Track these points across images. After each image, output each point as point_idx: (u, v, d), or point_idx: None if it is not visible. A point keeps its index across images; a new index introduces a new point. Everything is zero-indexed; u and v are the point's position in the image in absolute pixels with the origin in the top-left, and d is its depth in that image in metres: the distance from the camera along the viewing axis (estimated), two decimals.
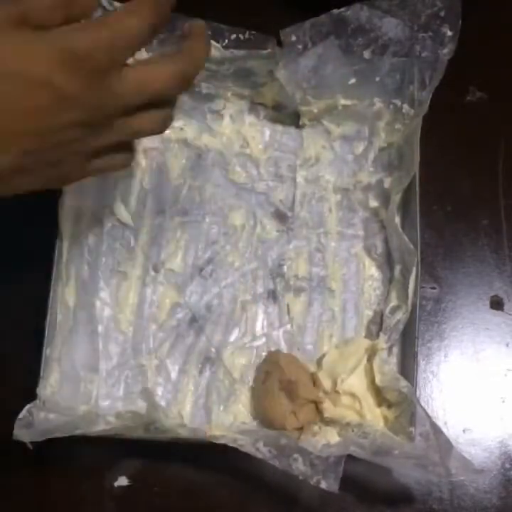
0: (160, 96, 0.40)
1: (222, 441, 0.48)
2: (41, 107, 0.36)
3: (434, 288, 0.58)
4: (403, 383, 0.50)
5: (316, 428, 0.51)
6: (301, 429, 0.51)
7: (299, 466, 0.46)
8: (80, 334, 0.55)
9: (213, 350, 0.56)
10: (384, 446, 0.48)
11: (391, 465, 0.47)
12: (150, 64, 0.40)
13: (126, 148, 0.45)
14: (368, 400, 0.52)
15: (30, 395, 0.50)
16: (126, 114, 0.40)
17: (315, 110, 0.59)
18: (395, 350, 0.55)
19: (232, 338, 0.57)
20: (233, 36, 0.56)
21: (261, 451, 0.47)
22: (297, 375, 0.52)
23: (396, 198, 0.56)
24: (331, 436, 0.51)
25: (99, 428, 0.48)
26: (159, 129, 0.44)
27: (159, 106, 0.41)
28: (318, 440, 0.50)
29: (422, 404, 0.51)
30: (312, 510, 0.53)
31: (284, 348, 0.56)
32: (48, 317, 0.52)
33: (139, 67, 0.39)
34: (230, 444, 0.48)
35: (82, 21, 0.38)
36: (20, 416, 0.48)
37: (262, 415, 0.53)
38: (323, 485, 0.45)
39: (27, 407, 0.48)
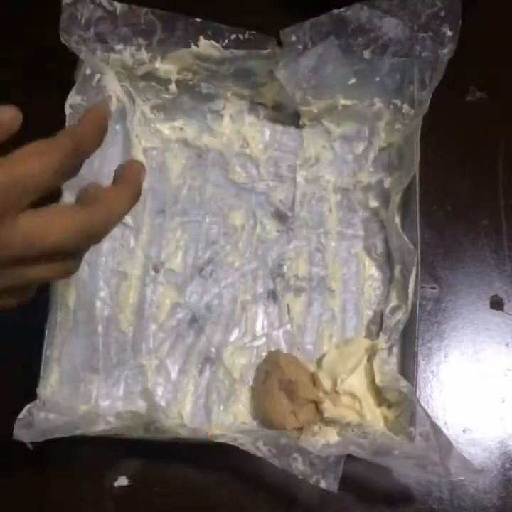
0: (55, 250, 0.35)
1: (222, 440, 0.48)
2: None
3: (434, 288, 0.58)
4: (403, 383, 0.50)
5: (316, 428, 0.51)
6: (301, 429, 0.51)
7: (298, 466, 0.46)
8: (80, 334, 0.55)
9: (213, 350, 0.56)
10: (384, 446, 0.48)
11: (391, 465, 0.47)
12: (52, 213, 0.35)
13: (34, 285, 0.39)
14: (368, 400, 0.52)
15: (31, 395, 0.50)
16: (18, 264, 0.35)
17: (315, 110, 0.59)
18: (395, 350, 0.55)
19: (232, 338, 0.57)
20: (233, 36, 0.56)
21: (260, 450, 0.47)
22: (297, 375, 0.52)
23: (396, 198, 0.56)
24: (331, 436, 0.51)
25: (99, 428, 0.48)
26: (61, 277, 0.39)
27: (59, 258, 0.36)
28: (317, 440, 0.50)
29: (422, 404, 0.51)
30: (312, 510, 0.53)
31: (284, 348, 0.56)
32: (48, 317, 0.52)
33: (36, 215, 0.34)
34: (230, 443, 0.48)
35: None
36: (20, 416, 0.48)
37: (262, 415, 0.53)
38: (323, 484, 0.45)
39: (27, 407, 0.48)
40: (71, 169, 0.36)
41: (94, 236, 0.36)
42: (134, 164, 0.41)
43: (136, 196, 0.39)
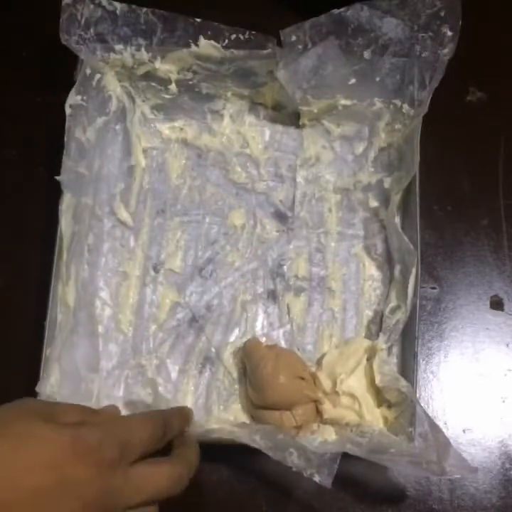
0: (156, 496, 0.42)
1: (217, 435, 0.48)
2: (44, 487, 0.37)
3: (434, 288, 0.58)
4: (403, 383, 0.50)
5: (314, 427, 0.51)
6: (299, 427, 0.51)
7: (293, 460, 0.46)
8: (80, 334, 0.55)
9: (213, 350, 0.56)
10: (381, 444, 0.48)
11: (387, 463, 0.47)
12: (151, 464, 0.42)
13: None
14: (368, 401, 0.52)
15: (31, 395, 0.50)
16: (126, 509, 0.41)
17: (315, 110, 0.59)
18: (395, 350, 0.55)
19: (232, 338, 0.57)
20: (233, 36, 0.56)
21: (257, 442, 0.47)
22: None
23: (396, 198, 0.56)
24: (329, 434, 0.51)
25: None
26: None
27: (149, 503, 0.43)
28: (315, 438, 0.50)
29: (422, 404, 0.51)
30: (312, 510, 0.53)
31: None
32: (48, 317, 0.52)
33: (141, 466, 0.41)
34: (225, 437, 0.48)
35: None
36: None
37: (266, 401, 0.52)
38: (317, 479, 0.45)
39: None
40: (161, 440, 0.44)
41: (183, 482, 0.44)
42: (187, 434, 0.49)
43: (198, 449, 0.48)
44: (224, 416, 0.54)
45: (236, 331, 0.57)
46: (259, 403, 0.52)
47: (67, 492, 0.38)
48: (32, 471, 0.37)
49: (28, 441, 0.38)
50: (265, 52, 0.56)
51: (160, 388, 0.55)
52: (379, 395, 0.52)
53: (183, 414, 0.49)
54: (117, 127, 0.60)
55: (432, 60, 0.55)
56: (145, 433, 0.42)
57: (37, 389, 0.50)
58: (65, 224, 0.53)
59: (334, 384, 0.52)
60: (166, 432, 0.44)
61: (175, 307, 0.57)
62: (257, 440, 0.47)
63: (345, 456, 0.46)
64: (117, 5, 0.55)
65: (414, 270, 0.53)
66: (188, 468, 0.44)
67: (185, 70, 0.59)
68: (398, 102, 0.58)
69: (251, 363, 0.53)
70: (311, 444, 0.47)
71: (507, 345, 0.57)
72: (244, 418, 0.54)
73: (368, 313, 0.57)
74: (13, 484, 0.37)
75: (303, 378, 0.52)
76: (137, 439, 0.41)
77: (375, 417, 0.51)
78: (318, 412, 0.52)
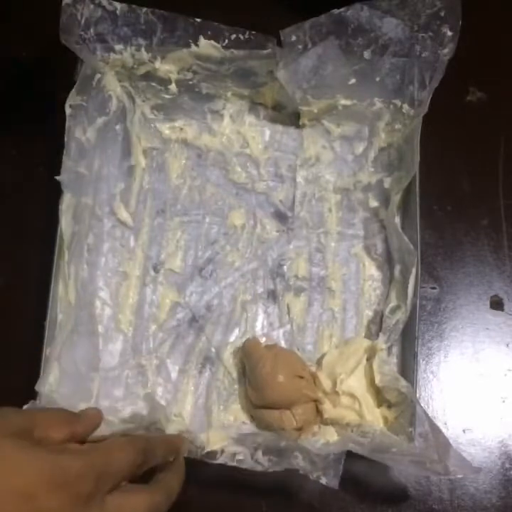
0: None
1: (220, 461, 0.48)
2: None
3: (434, 288, 0.58)
4: (403, 383, 0.50)
5: (315, 428, 0.51)
6: (299, 429, 0.51)
7: (299, 463, 0.46)
8: (80, 334, 0.55)
9: (213, 350, 0.56)
10: (382, 444, 0.48)
11: (389, 462, 0.47)
12: (128, 493, 0.41)
13: None
14: (368, 401, 0.52)
15: (31, 395, 0.50)
16: None
17: (315, 110, 0.59)
18: (395, 350, 0.55)
19: (232, 338, 0.57)
20: (233, 36, 0.56)
21: (260, 462, 0.47)
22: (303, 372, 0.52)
23: (396, 198, 0.56)
24: (330, 435, 0.51)
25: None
26: None
27: None
28: (317, 439, 0.50)
29: (422, 404, 0.51)
30: (313, 510, 0.53)
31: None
32: (48, 317, 0.52)
33: (117, 495, 0.40)
34: (229, 463, 0.48)
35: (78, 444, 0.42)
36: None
37: (266, 400, 0.52)
38: (323, 481, 0.45)
39: (26, 406, 0.48)
40: (141, 466, 0.43)
41: (163, 511, 0.43)
42: (176, 459, 0.47)
43: (182, 478, 0.46)
44: (224, 416, 0.54)
45: (236, 331, 0.57)
46: (258, 403, 0.52)
47: None
48: (4, 499, 0.36)
49: (4, 466, 0.36)
50: (265, 52, 0.56)
51: (160, 388, 0.55)
52: (379, 395, 0.52)
53: (170, 444, 0.47)
54: (117, 127, 0.60)
55: (432, 60, 0.55)
56: (125, 461, 0.41)
57: (36, 388, 0.50)
58: (65, 224, 0.53)
59: (334, 384, 0.52)
60: (147, 460, 0.43)
61: (175, 307, 0.57)
62: (259, 459, 0.47)
63: (347, 455, 0.46)
64: (117, 5, 0.55)
65: (414, 270, 0.53)
66: (166, 496, 0.43)
67: (185, 70, 0.59)
68: (398, 102, 0.58)
69: (250, 362, 0.53)
70: (314, 446, 0.47)
71: (507, 345, 0.57)
72: (244, 418, 0.54)
73: (368, 313, 0.57)
74: None
75: (302, 377, 0.52)
76: (116, 468, 0.40)
77: (375, 417, 0.51)
78: (319, 412, 0.52)
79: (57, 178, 0.53)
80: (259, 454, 0.48)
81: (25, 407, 0.48)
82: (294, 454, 0.47)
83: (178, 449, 0.48)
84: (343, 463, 0.46)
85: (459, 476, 0.46)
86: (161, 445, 0.46)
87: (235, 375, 0.55)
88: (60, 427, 0.41)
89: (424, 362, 0.56)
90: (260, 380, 0.51)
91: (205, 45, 0.56)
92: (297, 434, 0.50)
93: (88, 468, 0.38)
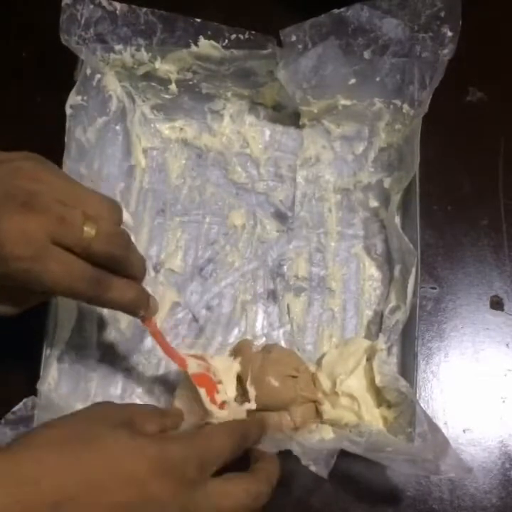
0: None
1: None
2: (127, 503, 0.38)
3: (434, 288, 0.58)
4: (403, 383, 0.50)
5: (313, 426, 0.51)
6: (298, 429, 0.51)
7: (293, 447, 0.46)
8: (80, 334, 0.55)
9: (213, 350, 0.56)
10: (378, 443, 0.48)
11: (383, 461, 0.47)
12: (230, 480, 0.42)
13: None
14: (367, 401, 0.52)
15: (31, 395, 0.50)
16: None
17: (315, 110, 0.59)
18: (395, 350, 0.55)
19: (232, 338, 0.56)
20: (233, 36, 0.56)
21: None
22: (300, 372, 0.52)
23: (396, 198, 0.56)
24: (327, 433, 0.51)
25: None
26: None
27: None
28: (313, 436, 0.50)
29: (422, 404, 0.51)
30: (312, 510, 0.53)
31: None
32: (48, 317, 0.52)
33: (220, 482, 0.42)
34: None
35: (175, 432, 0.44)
36: (15, 409, 0.47)
37: (258, 402, 0.51)
38: (313, 468, 0.45)
39: (23, 401, 0.48)
40: (238, 451, 0.44)
41: (262, 499, 0.43)
42: (268, 453, 0.47)
43: (278, 463, 0.46)
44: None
45: (236, 331, 0.57)
46: None
47: (148, 509, 0.38)
48: (115, 485, 0.37)
49: (115, 454, 0.38)
50: (265, 52, 0.56)
51: (159, 388, 0.55)
52: (379, 395, 0.52)
53: (261, 424, 0.48)
54: (117, 127, 0.60)
55: (432, 60, 0.55)
56: (225, 446, 0.42)
57: (37, 386, 0.50)
58: None
59: (334, 384, 0.52)
60: (245, 443, 0.44)
61: (175, 307, 0.57)
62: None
63: (346, 455, 0.46)
64: (117, 5, 0.55)
65: (413, 270, 0.53)
66: (268, 485, 0.44)
67: (185, 70, 0.59)
68: (398, 102, 0.58)
69: (241, 365, 0.52)
70: (309, 442, 0.48)
71: (507, 345, 0.57)
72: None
73: (368, 313, 0.57)
74: (95, 499, 0.37)
75: (295, 377, 0.51)
76: (217, 453, 0.41)
77: (374, 418, 0.51)
78: (318, 413, 0.52)
79: None
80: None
81: (24, 401, 0.48)
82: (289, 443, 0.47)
83: (266, 429, 0.48)
84: (335, 457, 0.45)
85: (451, 475, 0.46)
86: (254, 427, 0.47)
87: None
88: (153, 420, 0.42)
89: (424, 362, 0.56)
90: (250, 382, 0.51)
91: (205, 45, 0.56)
92: (294, 434, 0.50)
93: (192, 454, 0.40)
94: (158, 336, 0.50)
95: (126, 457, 0.38)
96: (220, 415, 0.49)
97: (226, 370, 0.52)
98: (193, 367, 0.50)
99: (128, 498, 0.38)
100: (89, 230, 0.41)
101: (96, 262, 0.43)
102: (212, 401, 0.49)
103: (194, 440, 0.41)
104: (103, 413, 0.42)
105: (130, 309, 0.47)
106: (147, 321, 0.49)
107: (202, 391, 0.49)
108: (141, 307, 0.47)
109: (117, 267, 0.44)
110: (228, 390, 0.51)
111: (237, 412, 0.50)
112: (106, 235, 0.42)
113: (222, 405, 0.50)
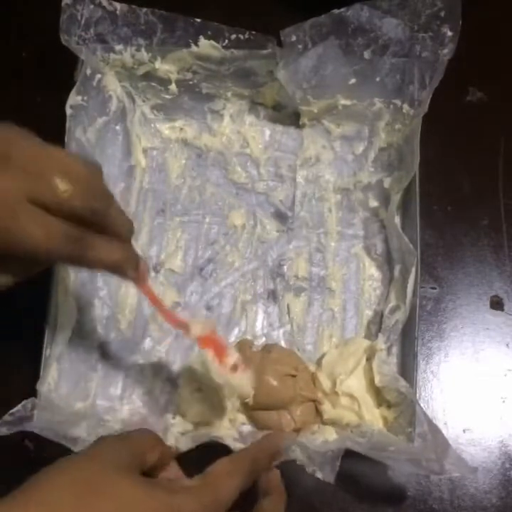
0: None
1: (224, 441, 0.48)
2: None
3: (434, 288, 0.58)
4: (402, 383, 0.50)
5: (315, 427, 0.51)
6: (298, 430, 0.51)
7: (297, 455, 0.46)
8: (80, 334, 0.55)
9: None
10: (380, 443, 0.48)
11: (386, 460, 0.47)
12: None
13: None
14: (367, 401, 0.52)
15: (31, 396, 0.50)
16: None
17: (315, 110, 0.59)
18: (395, 350, 0.55)
19: (232, 338, 0.56)
20: (233, 36, 0.56)
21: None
22: (299, 372, 0.52)
23: (396, 198, 0.56)
24: (329, 434, 0.51)
25: (100, 431, 0.48)
26: None
27: None
28: (316, 438, 0.50)
29: (422, 404, 0.51)
30: (313, 510, 0.53)
31: None
32: (48, 317, 0.52)
33: None
34: (231, 443, 0.48)
35: (188, 480, 0.42)
36: (14, 410, 0.47)
37: (256, 401, 0.52)
38: (319, 475, 0.45)
39: (22, 403, 0.48)
40: (249, 485, 0.42)
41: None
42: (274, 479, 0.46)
43: (284, 495, 0.45)
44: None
45: (236, 331, 0.57)
46: (252, 405, 0.52)
47: None
48: None
49: (121, 504, 0.37)
50: (265, 52, 0.56)
51: (158, 388, 0.55)
52: (379, 395, 0.52)
53: (272, 450, 0.46)
54: (117, 127, 0.60)
55: (432, 60, 0.55)
56: (232, 493, 0.41)
57: (37, 387, 0.50)
58: None
59: (334, 384, 0.52)
60: (253, 476, 0.43)
61: (175, 307, 0.57)
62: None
63: (347, 455, 0.46)
64: (117, 5, 0.56)
65: (413, 270, 0.53)
66: None
67: (185, 70, 0.59)
68: (398, 102, 0.58)
69: None
70: (312, 444, 0.48)
71: (507, 345, 0.57)
72: (242, 419, 0.54)
73: (368, 313, 0.57)
74: None
75: (294, 376, 0.52)
76: (227, 499, 0.41)
77: (374, 418, 0.51)
78: (318, 413, 0.52)
79: None
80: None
81: (23, 403, 0.48)
82: (292, 448, 0.47)
83: (279, 452, 0.46)
84: (340, 460, 0.46)
85: (456, 474, 0.46)
86: (264, 455, 0.45)
87: None
88: (153, 450, 0.42)
89: (424, 362, 0.56)
90: None
91: (205, 45, 0.56)
92: (295, 436, 0.50)
93: (201, 508, 0.39)
94: (155, 300, 0.48)
95: (131, 508, 0.37)
96: (234, 382, 0.48)
97: None
98: (197, 329, 0.48)
99: None
100: (66, 187, 0.40)
101: (77, 222, 0.41)
102: (222, 363, 0.47)
103: (203, 491, 0.40)
104: (111, 454, 0.40)
105: (117, 270, 0.45)
106: (140, 284, 0.47)
107: (210, 354, 0.47)
108: (129, 268, 0.45)
109: (100, 224, 0.42)
110: None
111: (246, 377, 0.49)
112: (83, 191, 0.41)
113: (234, 368, 0.48)
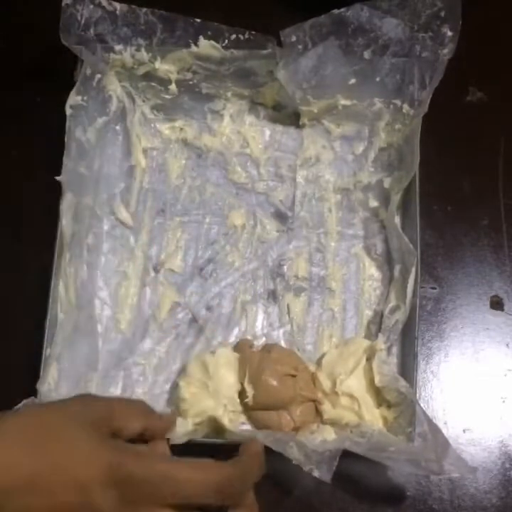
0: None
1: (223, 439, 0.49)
2: (68, 506, 0.37)
3: (434, 288, 0.58)
4: (402, 383, 0.50)
5: (314, 427, 0.51)
6: (297, 429, 0.51)
7: (294, 453, 0.46)
8: (80, 334, 0.55)
9: (213, 350, 0.56)
10: (380, 443, 0.48)
11: (386, 461, 0.47)
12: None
13: None
14: (367, 401, 0.52)
15: (31, 396, 0.50)
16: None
17: (315, 110, 0.59)
18: (395, 350, 0.55)
19: (232, 338, 0.56)
20: (233, 36, 0.56)
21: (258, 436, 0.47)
22: (299, 371, 0.52)
23: (396, 198, 0.56)
24: (328, 433, 0.50)
25: None
26: None
27: None
28: (315, 437, 0.50)
29: (422, 404, 0.51)
30: (312, 510, 0.53)
31: None
32: (48, 317, 0.52)
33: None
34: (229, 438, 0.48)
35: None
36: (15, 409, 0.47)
37: (256, 401, 0.52)
38: (316, 474, 0.45)
39: (22, 402, 0.48)
40: (232, 494, 0.40)
41: (229, 493, 0.40)
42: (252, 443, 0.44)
43: (261, 468, 0.43)
44: None
45: (236, 331, 0.57)
46: (251, 404, 0.52)
47: None
48: (62, 486, 0.37)
49: (70, 455, 0.37)
50: (265, 52, 0.56)
51: (158, 389, 0.55)
52: (378, 396, 0.52)
53: (259, 461, 0.43)
54: (117, 127, 0.60)
55: (432, 60, 0.55)
56: (195, 490, 0.39)
57: (37, 386, 0.50)
58: (65, 224, 0.53)
59: (334, 384, 0.52)
60: (231, 496, 0.40)
61: (175, 307, 0.57)
62: (258, 436, 0.47)
63: (346, 455, 0.46)
64: (117, 5, 0.55)
65: (413, 270, 0.53)
66: (241, 481, 0.41)
67: (185, 70, 0.59)
68: (398, 102, 0.58)
69: (240, 364, 0.53)
70: (311, 443, 0.47)
71: (507, 345, 0.57)
72: (242, 418, 0.54)
73: (368, 313, 0.57)
74: (37, 498, 0.36)
75: (294, 376, 0.51)
76: (173, 491, 0.38)
77: (374, 418, 0.51)
78: (318, 413, 0.52)
79: (57, 178, 0.53)
80: (258, 435, 0.48)
81: (24, 402, 0.48)
82: (289, 444, 0.46)
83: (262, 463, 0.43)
84: (337, 459, 0.45)
85: (455, 475, 0.46)
86: (252, 471, 0.42)
87: None
88: (137, 418, 0.41)
89: (424, 362, 0.56)
90: (248, 382, 0.51)
91: (205, 45, 0.56)
92: (295, 434, 0.50)
93: (148, 475, 0.38)
94: None
95: (80, 460, 0.37)
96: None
97: (228, 363, 0.52)
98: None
99: (69, 502, 0.37)
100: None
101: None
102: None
103: (156, 464, 0.39)
104: (80, 407, 0.40)
105: None
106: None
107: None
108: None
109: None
110: (230, 382, 0.51)
111: None
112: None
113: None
